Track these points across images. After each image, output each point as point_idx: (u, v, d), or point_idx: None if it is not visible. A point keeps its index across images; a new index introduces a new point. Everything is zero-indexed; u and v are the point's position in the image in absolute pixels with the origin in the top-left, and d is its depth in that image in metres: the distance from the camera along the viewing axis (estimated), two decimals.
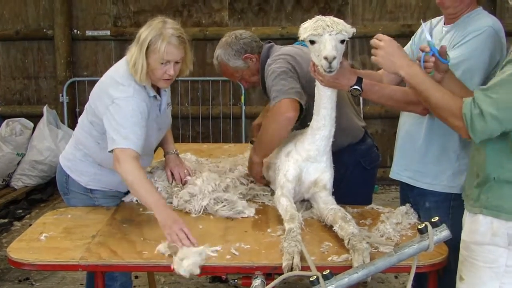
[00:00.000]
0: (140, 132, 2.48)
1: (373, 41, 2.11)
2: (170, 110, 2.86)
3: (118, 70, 2.62)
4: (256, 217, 2.57)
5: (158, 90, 2.68)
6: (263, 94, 3.00)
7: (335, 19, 2.26)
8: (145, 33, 2.50)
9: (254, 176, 2.91)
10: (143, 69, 2.49)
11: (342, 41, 2.24)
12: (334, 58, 2.17)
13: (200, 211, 2.60)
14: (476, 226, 1.92)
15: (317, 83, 2.40)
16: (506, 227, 1.87)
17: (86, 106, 2.73)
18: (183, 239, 2.16)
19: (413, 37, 2.69)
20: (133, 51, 2.53)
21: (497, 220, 1.88)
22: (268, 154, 2.82)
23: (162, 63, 2.49)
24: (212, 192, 2.66)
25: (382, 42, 2.08)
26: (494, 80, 1.84)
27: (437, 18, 2.59)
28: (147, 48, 2.48)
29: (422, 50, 2.08)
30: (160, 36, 2.46)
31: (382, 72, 2.63)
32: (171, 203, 2.70)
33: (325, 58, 2.17)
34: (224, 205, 2.59)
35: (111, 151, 2.47)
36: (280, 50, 2.92)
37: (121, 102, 2.49)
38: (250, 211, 2.59)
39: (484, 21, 2.32)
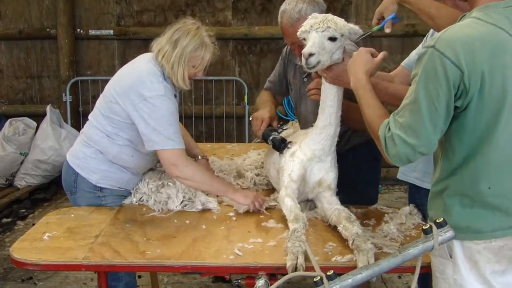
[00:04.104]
0: (178, 130, 2.63)
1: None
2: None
3: (143, 68, 2.66)
4: (260, 217, 2.57)
5: None
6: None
7: (330, 17, 2.26)
8: (185, 40, 2.60)
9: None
10: (185, 75, 2.64)
11: (333, 39, 2.23)
12: (311, 55, 2.19)
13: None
14: None
15: (323, 80, 2.40)
16: None
17: (100, 103, 2.74)
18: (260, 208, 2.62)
19: (425, 37, 2.69)
20: (166, 51, 2.61)
21: None
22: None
23: (194, 66, 2.66)
24: (181, 193, 2.72)
25: (356, 52, 2.12)
26: (404, 101, 1.77)
27: None
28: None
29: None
30: (203, 45, 2.63)
31: (394, 73, 2.62)
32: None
33: (302, 54, 2.19)
34: (186, 204, 2.67)
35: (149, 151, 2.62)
36: None
37: (155, 101, 2.56)
38: (213, 205, 2.67)
39: None
